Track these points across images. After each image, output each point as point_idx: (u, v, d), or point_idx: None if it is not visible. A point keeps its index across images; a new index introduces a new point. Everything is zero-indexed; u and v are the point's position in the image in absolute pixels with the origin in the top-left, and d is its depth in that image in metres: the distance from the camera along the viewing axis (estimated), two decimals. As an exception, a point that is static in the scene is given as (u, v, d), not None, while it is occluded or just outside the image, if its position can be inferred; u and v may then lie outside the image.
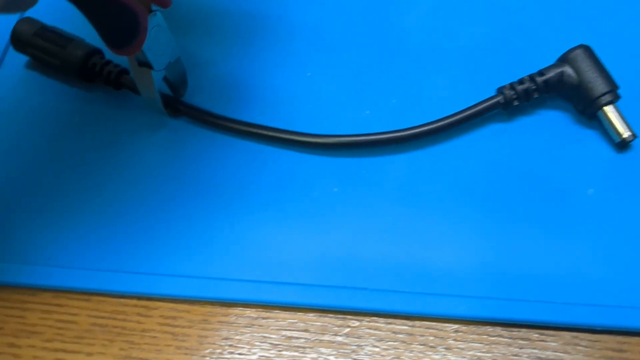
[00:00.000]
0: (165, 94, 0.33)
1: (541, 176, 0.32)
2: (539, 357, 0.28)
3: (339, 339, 0.29)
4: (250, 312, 0.29)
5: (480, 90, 0.34)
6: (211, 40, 0.37)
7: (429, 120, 0.33)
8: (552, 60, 0.34)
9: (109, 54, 0.34)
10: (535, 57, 0.34)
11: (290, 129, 0.33)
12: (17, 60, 0.36)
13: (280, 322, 0.29)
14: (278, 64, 0.36)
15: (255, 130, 0.33)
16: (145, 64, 0.30)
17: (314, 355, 0.28)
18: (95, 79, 0.34)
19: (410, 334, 0.29)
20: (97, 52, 0.34)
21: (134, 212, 0.31)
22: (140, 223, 0.31)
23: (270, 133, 0.33)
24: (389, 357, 0.28)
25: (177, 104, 0.34)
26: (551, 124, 0.34)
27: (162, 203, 0.32)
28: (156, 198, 0.32)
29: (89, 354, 0.28)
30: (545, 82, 0.33)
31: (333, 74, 0.36)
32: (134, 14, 0.27)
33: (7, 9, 0.23)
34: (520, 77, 0.33)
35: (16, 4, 0.24)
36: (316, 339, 0.29)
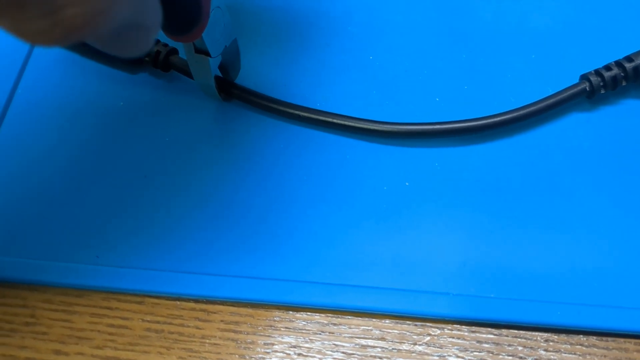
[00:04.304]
0: (220, 77, 0.30)
1: (630, 169, 0.29)
2: (637, 370, 0.26)
3: (419, 348, 0.26)
4: (320, 318, 0.27)
5: (560, 76, 0.31)
6: (264, 20, 0.34)
7: (503, 109, 0.30)
8: (637, 45, 0.31)
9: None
10: (619, 42, 0.32)
11: (352, 115, 0.30)
12: (53, 38, 0.33)
13: (354, 329, 0.26)
14: (335, 46, 0.33)
15: (316, 117, 0.30)
16: (202, 51, 0.27)
17: (392, 366, 0.26)
18: (142, 60, 0.31)
19: (497, 344, 0.26)
20: (144, 30, 0.31)
21: (188, 206, 0.29)
22: (196, 218, 0.28)
23: (334, 120, 0.30)
24: (474, 369, 0.26)
25: (232, 88, 0.31)
26: (637, 114, 0.31)
27: (219, 195, 0.29)
28: (212, 190, 0.29)
29: (144, 363, 0.26)
30: (635, 69, 0.30)
31: (398, 57, 0.33)
32: None
33: (110, 46, 0.18)
34: (604, 63, 0.31)
35: (123, 45, 0.18)
36: (394, 349, 0.26)
